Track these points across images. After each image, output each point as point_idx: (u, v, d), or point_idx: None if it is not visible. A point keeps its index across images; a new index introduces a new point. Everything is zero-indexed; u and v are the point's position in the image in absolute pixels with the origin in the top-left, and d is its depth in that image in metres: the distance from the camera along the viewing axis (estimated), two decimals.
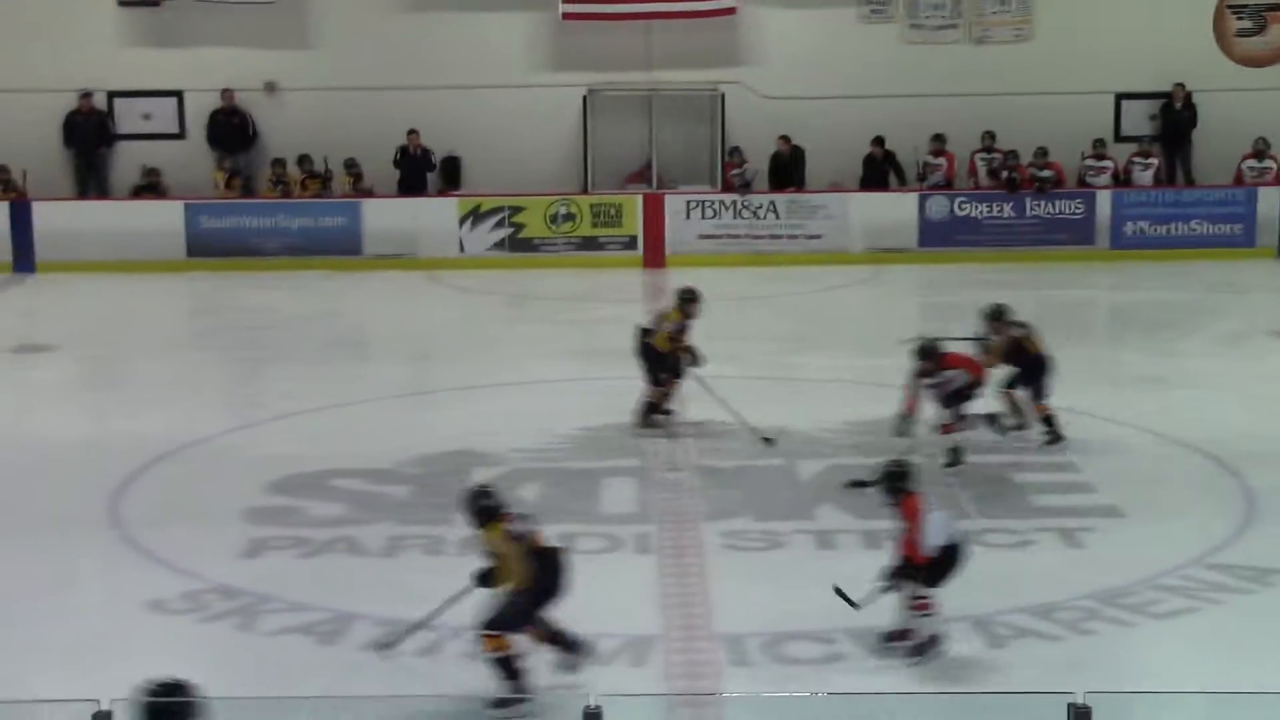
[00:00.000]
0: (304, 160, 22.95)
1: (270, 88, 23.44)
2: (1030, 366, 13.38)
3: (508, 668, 8.50)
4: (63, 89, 22.82)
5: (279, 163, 23.07)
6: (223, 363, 17.89)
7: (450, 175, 23.44)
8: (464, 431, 13.89)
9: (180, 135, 23.61)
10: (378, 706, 8.43)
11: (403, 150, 23.03)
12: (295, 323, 19.45)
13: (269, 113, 23.53)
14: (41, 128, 22.84)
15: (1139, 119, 23.64)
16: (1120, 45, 23.30)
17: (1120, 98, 23.69)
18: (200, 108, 23.45)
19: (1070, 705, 6.09)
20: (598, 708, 5.90)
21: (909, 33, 23.70)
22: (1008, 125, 23.07)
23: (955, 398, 12.59)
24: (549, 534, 11.18)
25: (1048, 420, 13.42)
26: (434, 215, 22.55)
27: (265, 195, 23.01)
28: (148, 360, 17.59)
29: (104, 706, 5.84)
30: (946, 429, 12.72)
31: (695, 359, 13.80)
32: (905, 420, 12.73)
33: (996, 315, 13.51)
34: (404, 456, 13.20)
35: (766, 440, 13.41)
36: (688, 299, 14.08)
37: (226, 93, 23.29)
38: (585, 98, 23.50)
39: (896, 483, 9.23)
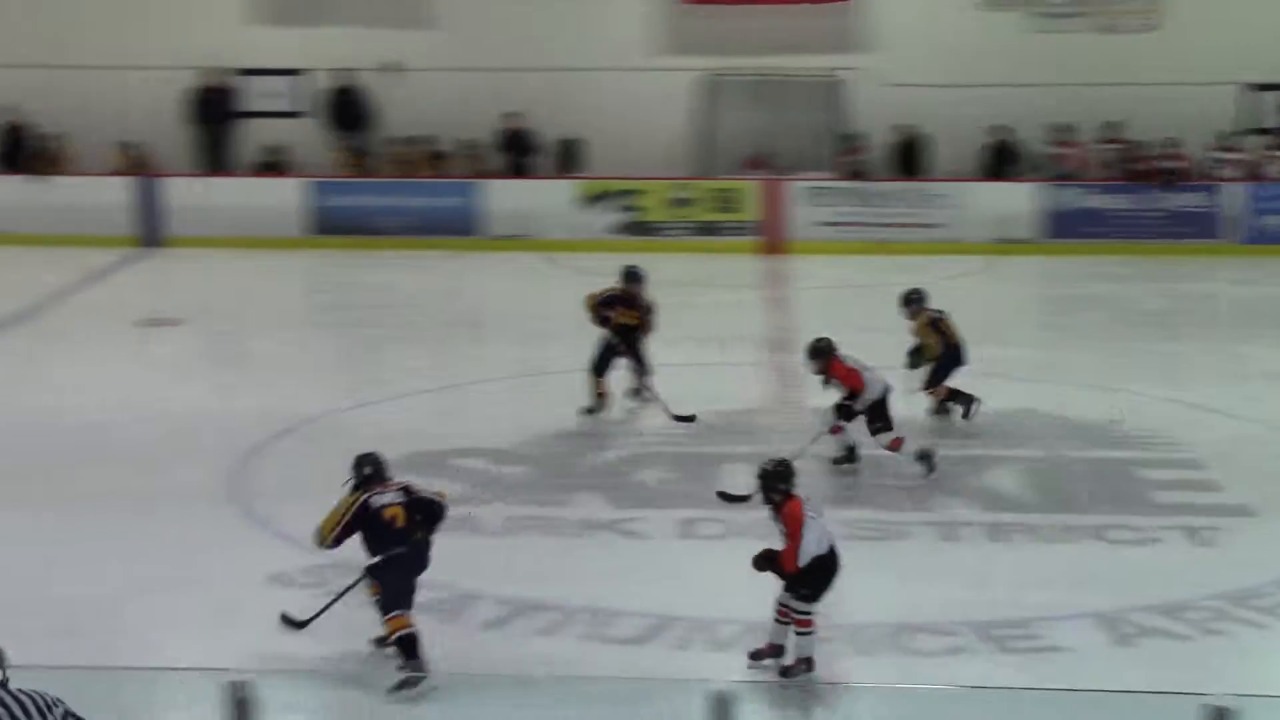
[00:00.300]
0: (424, 140, 23.10)
1: (391, 67, 23.57)
2: (946, 353, 13.41)
3: (408, 646, 8.58)
4: (191, 66, 23.09)
5: (399, 142, 23.22)
6: (343, 340, 18.05)
7: (569, 157, 23.47)
8: (581, 414, 13.90)
9: (303, 114, 23.82)
10: (496, 685, 8.46)
11: (505, 132, 23.11)
12: (415, 302, 19.57)
13: (390, 92, 23.66)
14: (170, 104, 23.11)
15: (1271, 111, 23.21)
16: (1251, 35, 22.88)
17: (1251, 89, 23.27)
18: (323, 86, 23.66)
19: (1209, 707, 5.96)
20: (726, 693, 5.86)
21: (1032, 20, 23.41)
22: (1133, 116, 22.71)
23: (838, 409, 12.25)
24: (667, 518, 11.38)
25: (954, 397, 13.48)
26: (552, 197, 22.59)
27: (386, 174, 23.18)
28: (270, 336, 17.75)
29: (234, 676, 5.86)
30: (835, 430, 12.35)
31: (628, 341, 13.87)
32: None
33: (911, 300, 13.63)
34: (522, 437, 13.26)
35: (684, 418, 13.41)
36: (625, 274, 14.12)
37: (346, 72, 23.47)
38: (704, 82, 23.45)
39: (778, 483, 8.62)
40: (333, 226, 22.50)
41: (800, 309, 18.85)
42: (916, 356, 13.52)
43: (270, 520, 11.28)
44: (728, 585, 10.11)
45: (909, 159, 22.99)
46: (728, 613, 9.54)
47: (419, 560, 8.80)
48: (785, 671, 8.64)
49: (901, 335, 13.75)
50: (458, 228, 22.46)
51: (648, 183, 22.63)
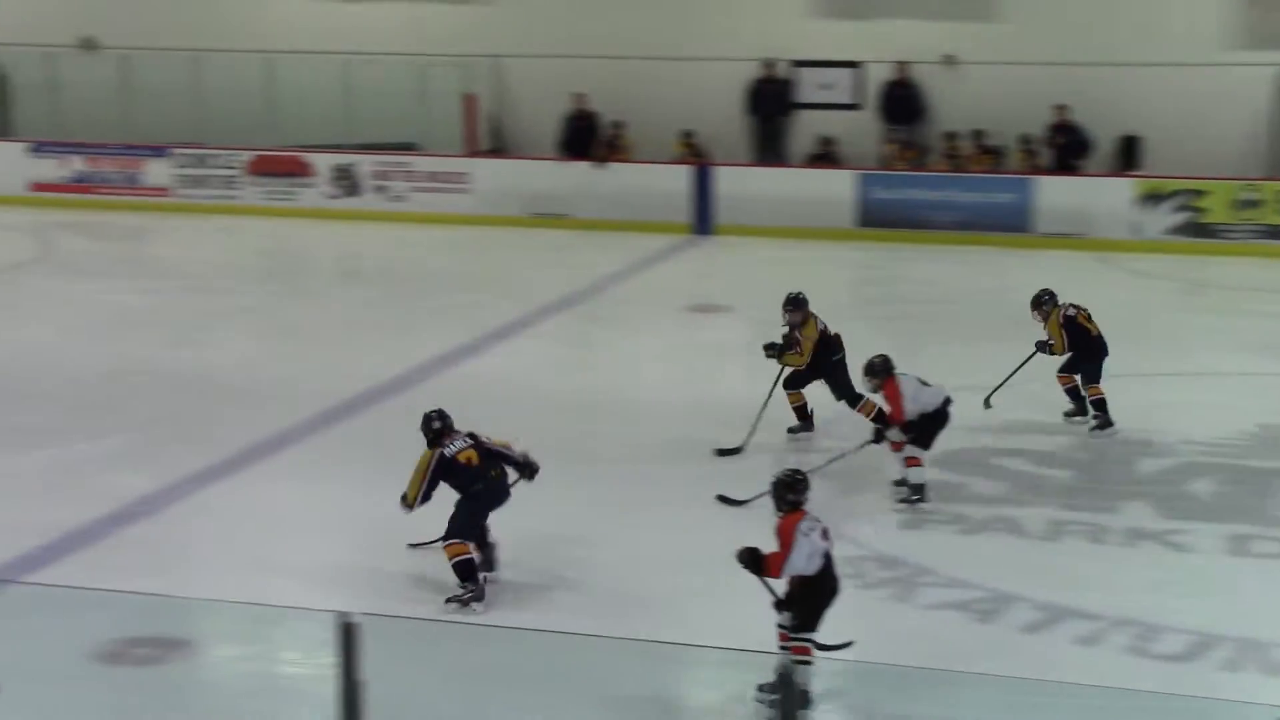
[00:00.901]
0: (978, 135, 22.82)
1: (948, 60, 23.39)
2: (1087, 347, 13.12)
3: (465, 570, 9.58)
4: (749, 58, 23.52)
5: (952, 136, 23.02)
6: (886, 333, 17.86)
7: (1127, 155, 22.71)
8: (1133, 419, 13.40)
9: (857, 106, 23.91)
10: (1033, 689, 8.25)
11: (1055, 128, 22.51)
12: (962, 298, 19.31)
13: (944, 85, 23.49)
14: (728, 95, 23.63)
15: None
16: None
17: None
18: (878, 79, 23.69)
19: None
20: None
21: None
22: None
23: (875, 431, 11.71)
24: (1218, 532, 10.84)
25: (1099, 404, 13.10)
26: (1109, 195, 21.87)
27: (937, 168, 23.01)
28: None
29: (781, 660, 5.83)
30: (897, 448, 11.62)
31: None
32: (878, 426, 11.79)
33: (1041, 301, 13.31)
34: (1067, 440, 12.94)
35: (729, 451, 12.52)
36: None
37: (901, 65, 23.41)
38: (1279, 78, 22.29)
39: (786, 493, 8.35)
40: (881, 219, 22.47)
41: None
42: (1048, 349, 13.26)
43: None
44: None
45: None
46: None
47: (497, 494, 9.86)
48: (774, 704, 7.92)
49: None
50: (1008, 224, 22.05)
51: (1212, 183, 21.62)
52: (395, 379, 14.69)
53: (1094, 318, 13.27)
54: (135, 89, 25.93)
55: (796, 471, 8.59)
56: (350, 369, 14.95)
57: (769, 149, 23.91)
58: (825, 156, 23.59)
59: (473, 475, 9.78)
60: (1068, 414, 13.45)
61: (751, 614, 8.45)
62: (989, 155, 22.88)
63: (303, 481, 11.77)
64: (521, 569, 10.13)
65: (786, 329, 13.02)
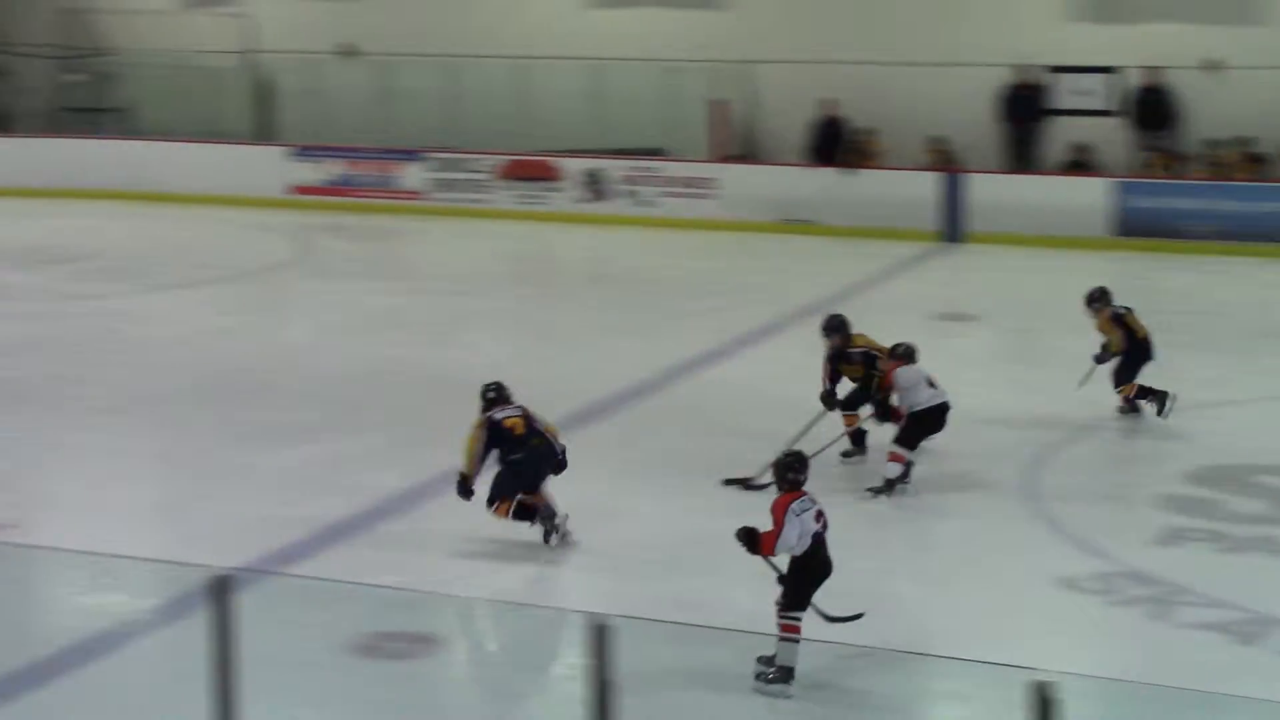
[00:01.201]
0: (1244, 142, 22.13)
1: (1210, 65, 22.74)
2: (1133, 348, 13.28)
3: (523, 515, 10.30)
4: (1002, 63, 23.15)
5: (1214, 144, 22.37)
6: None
7: None
8: None
9: (1112, 112, 23.37)
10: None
11: None
12: (1223, 309, 18.72)
13: (1205, 91, 22.81)
14: (979, 100, 23.27)
15: None
16: None
17: None
18: (1133, 84, 23.13)
19: None
20: None
21: None
22: None
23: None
24: None
25: (1144, 394, 13.23)
26: None
27: (1198, 176, 22.38)
28: (1065, 337, 17.39)
29: (1040, 677, 5.67)
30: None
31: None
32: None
33: (1094, 299, 13.57)
34: None
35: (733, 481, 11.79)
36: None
37: (1152, 70, 22.82)
38: None
39: (786, 473, 8.52)
40: (1137, 228, 21.93)
41: None
42: (1105, 352, 13.41)
43: (1062, 522, 11.11)
44: None
45: None
46: None
47: (538, 462, 10.32)
48: (758, 676, 8.32)
49: None
50: (1275, 234, 21.31)
51: None
52: (643, 382, 14.77)
53: None
54: (392, 94, 26.53)
55: (798, 453, 8.81)
56: (599, 372, 15.08)
57: (1021, 156, 23.50)
58: (1079, 164, 23.11)
59: (514, 443, 10.27)
60: (1121, 410, 13.52)
61: (993, 631, 8.30)
62: (1253, 163, 22.17)
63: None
64: (736, 570, 10.08)
65: (830, 357, 12.69)
